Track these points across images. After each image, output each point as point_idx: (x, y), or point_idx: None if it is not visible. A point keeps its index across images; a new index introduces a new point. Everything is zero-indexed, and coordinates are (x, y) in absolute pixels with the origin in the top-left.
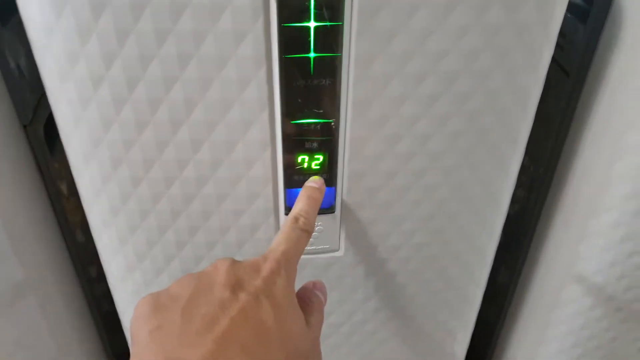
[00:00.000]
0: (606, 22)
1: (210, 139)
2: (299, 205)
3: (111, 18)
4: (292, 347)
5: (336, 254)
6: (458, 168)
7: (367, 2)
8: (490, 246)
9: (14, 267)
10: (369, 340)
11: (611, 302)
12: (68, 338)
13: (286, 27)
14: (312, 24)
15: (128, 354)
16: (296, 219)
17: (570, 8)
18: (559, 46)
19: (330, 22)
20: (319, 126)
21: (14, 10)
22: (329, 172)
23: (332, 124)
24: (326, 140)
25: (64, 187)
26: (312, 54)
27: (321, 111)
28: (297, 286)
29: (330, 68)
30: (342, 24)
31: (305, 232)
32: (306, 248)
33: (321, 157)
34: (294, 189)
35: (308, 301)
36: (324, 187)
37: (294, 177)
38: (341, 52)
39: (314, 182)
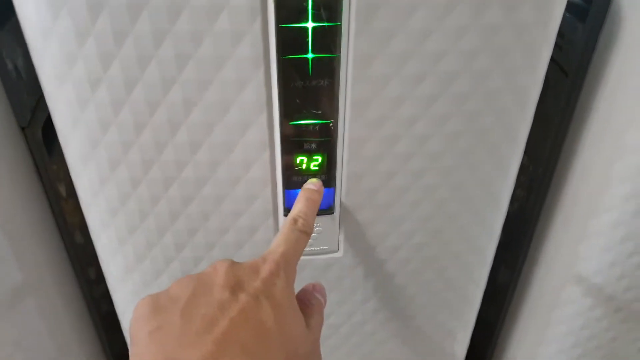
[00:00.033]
0: (605, 21)
1: (208, 140)
2: (297, 207)
3: (108, 19)
4: (292, 348)
5: (335, 255)
6: (457, 168)
7: (365, 3)
8: (490, 246)
9: (13, 268)
10: (368, 340)
11: (611, 302)
12: (67, 339)
13: (284, 28)
14: (310, 25)
15: (127, 355)
16: (295, 221)
17: (569, 8)
18: (558, 46)
19: (328, 22)
20: (317, 127)
21: (11, 11)
22: (327, 173)
23: (331, 124)
24: (325, 141)
25: (62, 189)
26: (310, 55)
27: (320, 112)
28: (297, 288)
29: (328, 69)
30: (340, 25)
31: (304, 233)
32: (305, 249)
33: (320, 158)
34: (292, 190)
35: (308, 303)
36: (322, 189)
37: (293, 178)
38: (339, 52)
39: (313, 184)
